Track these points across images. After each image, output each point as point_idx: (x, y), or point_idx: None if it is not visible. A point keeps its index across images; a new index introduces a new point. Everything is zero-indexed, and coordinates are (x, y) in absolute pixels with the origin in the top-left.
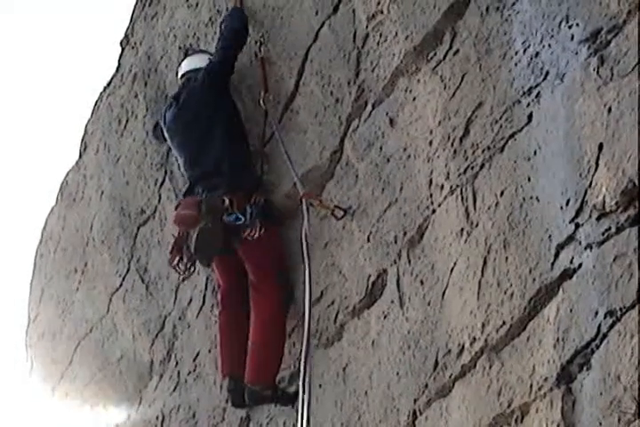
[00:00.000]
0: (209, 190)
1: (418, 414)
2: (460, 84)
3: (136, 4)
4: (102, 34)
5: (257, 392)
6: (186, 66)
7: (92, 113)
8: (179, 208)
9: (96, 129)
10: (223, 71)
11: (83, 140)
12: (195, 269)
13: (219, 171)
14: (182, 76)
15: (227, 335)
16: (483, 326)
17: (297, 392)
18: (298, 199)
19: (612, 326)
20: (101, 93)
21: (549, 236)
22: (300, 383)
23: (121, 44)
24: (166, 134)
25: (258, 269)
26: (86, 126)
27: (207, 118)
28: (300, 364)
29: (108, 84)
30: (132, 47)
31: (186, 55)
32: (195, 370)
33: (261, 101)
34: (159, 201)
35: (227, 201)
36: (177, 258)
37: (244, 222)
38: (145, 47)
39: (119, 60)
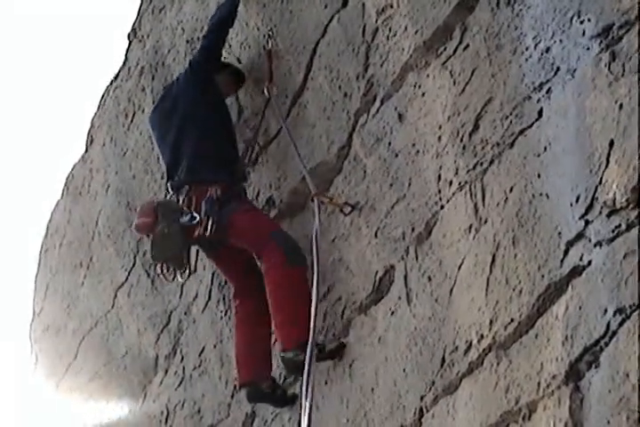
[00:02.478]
0: (174, 189)
1: (424, 411)
2: (470, 79)
3: None
4: (110, 27)
5: (291, 360)
6: None
7: (99, 106)
8: (136, 215)
9: (102, 123)
10: (203, 59)
11: (89, 133)
12: (188, 272)
13: (182, 167)
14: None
15: (242, 339)
16: (490, 323)
17: (296, 395)
18: (309, 198)
19: (621, 324)
20: (108, 87)
21: (559, 232)
22: (303, 389)
23: (128, 37)
24: (149, 128)
25: (250, 242)
26: (93, 120)
27: (184, 110)
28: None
29: (115, 78)
30: (140, 40)
31: None
32: (200, 365)
33: (265, 90)
34: (165, 196)
35: (181, 201)
36: (160, 266)
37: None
38: (152, 41)
39: (126, 54)
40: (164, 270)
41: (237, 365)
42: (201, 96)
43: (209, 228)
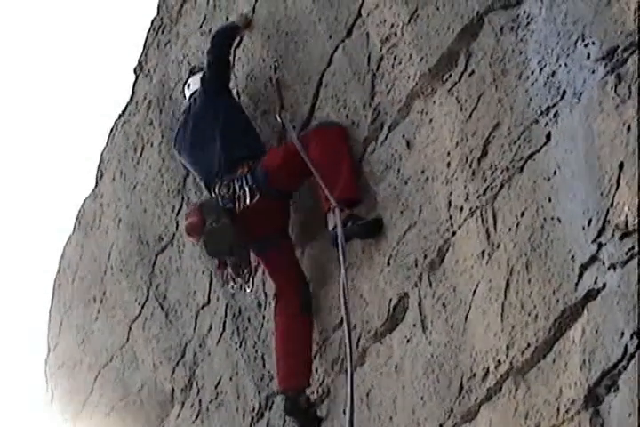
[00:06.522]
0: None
1: None
2: (477, 104)
3: (149, 31)
4: (116, 61)
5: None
6: (194, 84)
7: (108, 141)
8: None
9: (112, 157)
10: (213, 74)
11: (99, 168)
12: (249, 274)
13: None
14: (191, 95)
15: (282, 341)
16: (507, 348)
17: (322, 418)
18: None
19: (638, 347)
20: (116, 121)
21: (572, 256)
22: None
23: (135, 71)
24: (175, 151)
25: (282, 159)
26: (102, 154)
27: (207, 124)
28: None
29: (123, 112)
30: (146, 75)
31: (191, 73)
32: (216, 398)
33: (277, 117)
34: (177, 228)
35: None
36: (224, 272)
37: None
38: (159, 74)
39: (133, 88)
40: (229, 274)
41: (278, 367)
42: (219, 103)
43: (249, 198)
